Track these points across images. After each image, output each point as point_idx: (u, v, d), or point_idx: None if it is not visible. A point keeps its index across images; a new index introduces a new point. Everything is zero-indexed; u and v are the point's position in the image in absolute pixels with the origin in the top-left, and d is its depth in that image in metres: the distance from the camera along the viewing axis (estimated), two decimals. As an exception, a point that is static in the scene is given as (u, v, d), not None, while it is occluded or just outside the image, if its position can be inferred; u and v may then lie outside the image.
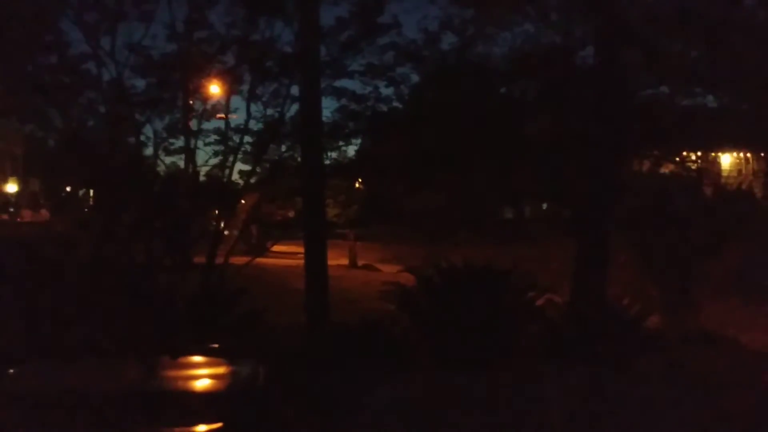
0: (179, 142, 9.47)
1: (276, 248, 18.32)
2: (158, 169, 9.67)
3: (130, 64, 8.87)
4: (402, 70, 10.09)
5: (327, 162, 10.50)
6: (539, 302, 6.98)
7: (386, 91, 10.29)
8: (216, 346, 5.20)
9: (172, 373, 4.34)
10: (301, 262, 9.58)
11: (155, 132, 9.19)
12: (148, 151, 9.46)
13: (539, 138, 10.52)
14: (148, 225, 8.79)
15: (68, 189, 11.68)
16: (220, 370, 4.40)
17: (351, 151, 11.88)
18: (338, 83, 9.86)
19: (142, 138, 9.23)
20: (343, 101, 9.97)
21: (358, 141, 11.30)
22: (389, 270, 14.17)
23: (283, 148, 10.32)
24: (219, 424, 3.43)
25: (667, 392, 5.11)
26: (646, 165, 11.16)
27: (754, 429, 4.64)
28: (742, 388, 5.54)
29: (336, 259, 16.59)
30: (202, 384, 4.12)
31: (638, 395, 5.10)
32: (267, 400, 3.90)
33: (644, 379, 5.65)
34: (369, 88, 10.11)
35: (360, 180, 14.10)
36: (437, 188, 11.66)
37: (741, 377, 6.24)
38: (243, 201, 11.33)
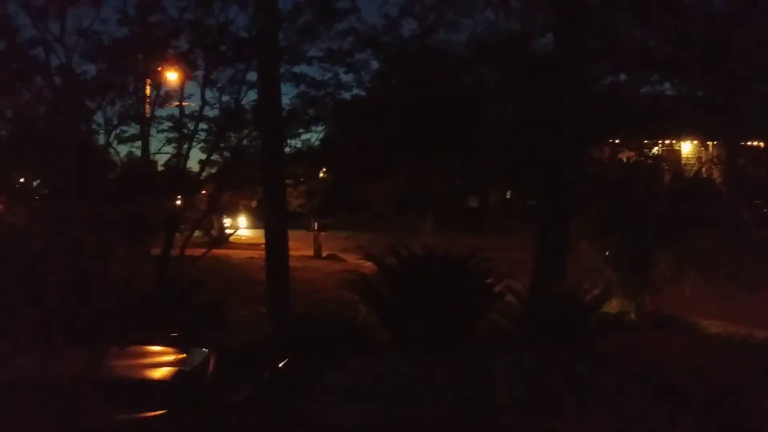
0: (132, 130, 9.24)
1: (239, 239, 18.16)
2: (112, 157, 9.42)
3: (80, 50, 8.62)
4: (362, 56, 10.02)
5: (288, 150, 10.38)
6: (498, 288, 6.98)
7: (346, 77, 10.20)
8: (175, 335, 5.15)
9: (119, 362, 4.33)
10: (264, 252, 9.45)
11: (107, 119, 8.95)
12: (101, 139, 9.21)
13: (501, 125, 10.53)
14: (101, 215, 8.56)
15: (22, 180, 11.30)
16: (169, 358, 4.33)
17: (316, 139, 11.76)
18: (297, 69, 9.73)
19: (94, 126, 8.98)
20: (302, 87, 9.83)
21: (321, 129, 11.17)
22: (353, 260, 14.09)
23: (244, 134, 10.14)
24: (162, 411, 3.38)
25: (619, 374, 5.15)
26: (607, 152, 11.25)
27: (703, 409, 4.68)
28: (692, 371, 5.62)
29: (300, 250, 16.46)
30: (148, 372, 4.07)
31: (592, 377, 5.12)
32: (213, 387, 3.83)
33: (598, 361, 5.69)
34: (329, 75, 10.01)
35: (324, 169, 14.00)
36: (400, 176, 11.62)
37: (693, 361, 6.34)
38: (204, 191, 11.11)
